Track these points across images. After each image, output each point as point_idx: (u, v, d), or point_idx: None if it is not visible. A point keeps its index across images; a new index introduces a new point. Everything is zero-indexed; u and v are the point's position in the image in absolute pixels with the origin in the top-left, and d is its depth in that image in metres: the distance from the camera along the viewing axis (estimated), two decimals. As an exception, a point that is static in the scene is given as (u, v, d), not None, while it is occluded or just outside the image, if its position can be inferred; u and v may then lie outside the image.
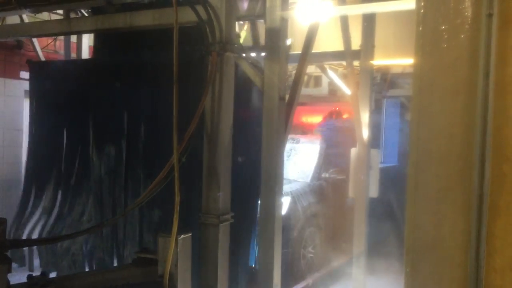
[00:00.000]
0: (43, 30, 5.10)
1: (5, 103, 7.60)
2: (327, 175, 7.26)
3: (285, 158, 4.53)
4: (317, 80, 8.48)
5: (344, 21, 5.58)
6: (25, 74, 6.92)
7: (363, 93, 5.91)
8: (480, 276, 1.55)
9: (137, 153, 4.67)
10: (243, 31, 6.37)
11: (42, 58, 6.72)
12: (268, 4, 3.81)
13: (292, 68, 5.69)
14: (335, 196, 7.26)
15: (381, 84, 8.66)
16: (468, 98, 1.56)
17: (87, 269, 4.83)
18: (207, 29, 3.43)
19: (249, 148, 4.29)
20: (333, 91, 8.24)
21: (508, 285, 1.53)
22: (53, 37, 7.60)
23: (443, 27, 1.59)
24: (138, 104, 4.66)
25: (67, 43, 6.72)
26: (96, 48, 5.43)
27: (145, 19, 4.10)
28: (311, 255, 6.72)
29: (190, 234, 3.08)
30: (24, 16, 6.43)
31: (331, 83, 7.45)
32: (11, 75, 7.66)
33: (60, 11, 6.31)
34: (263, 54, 4.18)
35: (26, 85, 6.44)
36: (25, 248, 5.36)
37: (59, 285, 2.73)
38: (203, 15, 3.42)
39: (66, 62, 6.27)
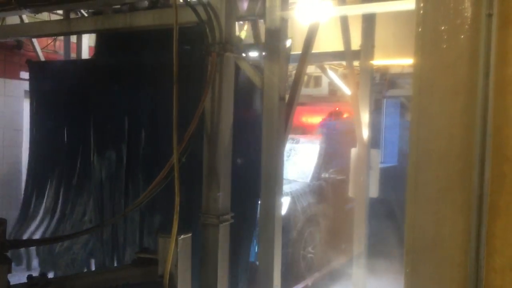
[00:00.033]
0: (43, 30, 5.10)
1: (5, 103, 7.60)
2: (327, 175, 7.25)
3: (285, 158, 4.53)
4: (317, 80, 8.49)
5: (344, 21, 5.57)
6: (25, 74, 6.92)
7: (363, 93, 5.91)
8: (480, 276, 1.55)
9: (137, 156, 4.67)
10: (243, 31, 6.37)
11: (42, 58, 6.71)
12: (268, 4, 3.80)
13: (292, 68, 5.69)
14: (335, 196, 7.26)
15: (381, 84, 8.66)
16: (468, 98, 1.55)
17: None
18: (207, 30, 3.44)
19: (249, 148, 4.29)
20: (333, 91, 8.25)
21: (508, 285, 1.53)
22: (53, 37, 7.60)
23: (443, 28, 1.59)
24: (138, 104, 4.65)
25: (67, 43, 6.71)
26: (96, 48, 5.43)
27: (145, 19, 4.11)
28: (311, 255, 6.71)
29: (190, 234, 3.08)
30: (24, 17, 6.43)
31: (331, 83, 7.45)
32: (11, 75, 7.66)
33: (60, 12, 6.30)
34: (264, 53, 4.18)
35: (26, 85, 6.44)
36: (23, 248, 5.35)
37: (59, 285, 2.73)
38: (203, 16, 3.42)
39: (66, 62, 6.26)
